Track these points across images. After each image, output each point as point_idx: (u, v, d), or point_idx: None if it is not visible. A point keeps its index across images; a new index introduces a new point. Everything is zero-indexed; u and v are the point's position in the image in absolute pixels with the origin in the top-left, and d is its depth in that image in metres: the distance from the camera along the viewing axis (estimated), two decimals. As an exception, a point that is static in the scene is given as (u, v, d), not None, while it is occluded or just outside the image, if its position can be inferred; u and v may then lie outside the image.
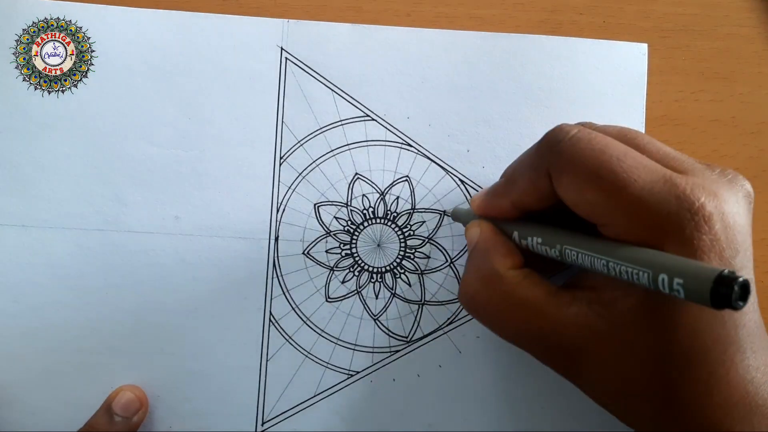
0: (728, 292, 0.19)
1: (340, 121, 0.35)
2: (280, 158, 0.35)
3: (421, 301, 0.34)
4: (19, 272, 0.34)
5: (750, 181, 0.25)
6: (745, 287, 0.19)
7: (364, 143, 0.35)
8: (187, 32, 0.35)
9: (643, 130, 0.35)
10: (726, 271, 0.19)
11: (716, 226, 0.22)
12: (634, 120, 0.35)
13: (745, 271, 0.23)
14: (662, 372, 0.23)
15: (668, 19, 0.36)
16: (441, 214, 0.35)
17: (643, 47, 0.35)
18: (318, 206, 0.35)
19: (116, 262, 0.34)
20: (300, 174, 0.35)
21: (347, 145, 0.35)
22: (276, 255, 0.34)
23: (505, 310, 0.27)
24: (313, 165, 0.35)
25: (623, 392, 0.25)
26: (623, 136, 0.26)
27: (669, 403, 0.23)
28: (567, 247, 0.25)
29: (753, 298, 0.24)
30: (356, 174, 0.35)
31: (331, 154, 0.35)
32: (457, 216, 0.33)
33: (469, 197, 0.35)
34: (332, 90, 0.35)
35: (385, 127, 0.35)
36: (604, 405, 0.26)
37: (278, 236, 0.34)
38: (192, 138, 0.35)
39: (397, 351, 0.34)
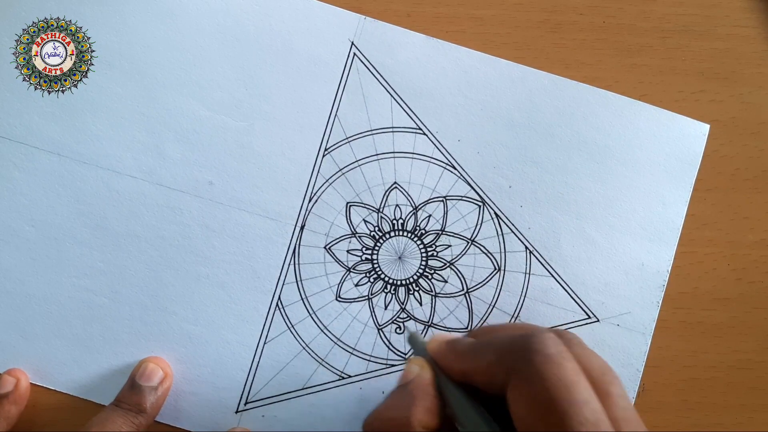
0: None
1: (392, 128, 0.35)
2: (325, 149, 0.35)
3: (428, 322, 0.34)
4: (43, 198, 0.34)
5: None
6: None
7: (410, 155, 0.35)
8: (264, 3, 0.35)
9: (685, 208, 0.35)
10: None
11: None
12: (679, 196, 0.35)
13: None
14: None
15: (668, 20, 0.36)
16: (468, 242, 0.35)
17: (705, 128, 0.35)
18: (350, 205, 0.35)
19: (141, 212, 0.34)
20: (340, 170, 0.35)
21: (393, 152, 0.35)
22: (298, 243, 0.34)
23: None
24: (356, 164, 0.35)
25: None
26: (602, 375, 0.25)
27: None
28: None
29: None
30: (395, 183, 0.35)
31: (375, 157, 0.35)
32: (413, 342, 0.30)
33: (500, 231, 0.35)
34: (392, 96, 0.35)
35: (434, 144, 0.35)
36: None
37: (304, 225, 0.34)
38: (244, 109, 0.35)
39: (393, 365, 0.34)
